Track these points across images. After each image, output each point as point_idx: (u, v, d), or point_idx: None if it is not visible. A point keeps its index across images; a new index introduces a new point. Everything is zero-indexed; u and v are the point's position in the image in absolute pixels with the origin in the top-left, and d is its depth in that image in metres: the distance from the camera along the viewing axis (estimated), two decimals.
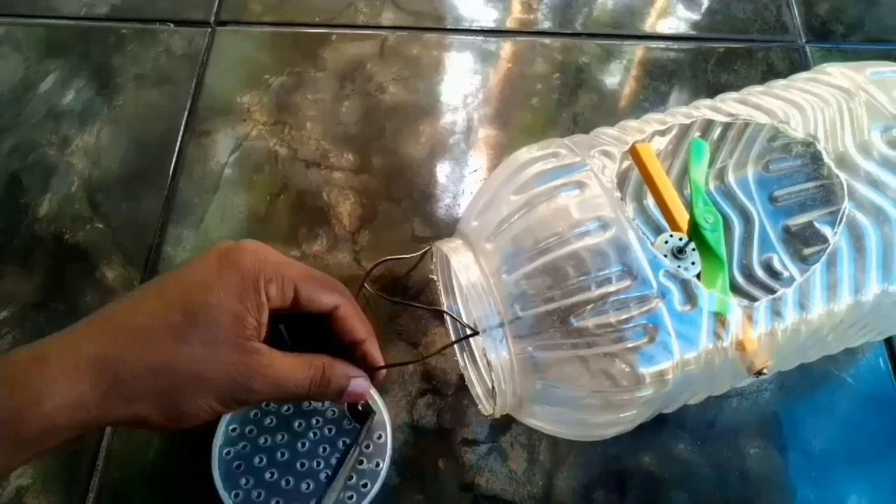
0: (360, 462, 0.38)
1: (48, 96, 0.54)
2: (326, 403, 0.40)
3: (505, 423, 0.41)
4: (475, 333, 0.33)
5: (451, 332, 0.43)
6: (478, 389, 0.40)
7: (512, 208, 0.33)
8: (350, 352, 0.35)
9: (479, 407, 0.40)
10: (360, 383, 0.34)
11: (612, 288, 0.30)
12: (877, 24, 0.60)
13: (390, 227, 0.48)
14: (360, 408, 0.39)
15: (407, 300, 0.45)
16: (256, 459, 0.38)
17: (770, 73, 0.56)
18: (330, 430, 0.39)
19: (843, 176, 0.34)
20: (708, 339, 0.31)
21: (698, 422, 0.41)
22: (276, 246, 0.47)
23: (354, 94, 0.54)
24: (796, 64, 0.57)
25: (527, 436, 0.41)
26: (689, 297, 0.31)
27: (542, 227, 0.32)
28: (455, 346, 0.42)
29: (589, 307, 0.30)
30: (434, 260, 0.41)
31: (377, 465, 0.38)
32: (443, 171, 0.51)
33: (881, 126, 0.35)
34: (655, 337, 0.30)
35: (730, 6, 0.60)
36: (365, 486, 0.37)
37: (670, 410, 0.37)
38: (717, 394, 0.38)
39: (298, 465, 0.38)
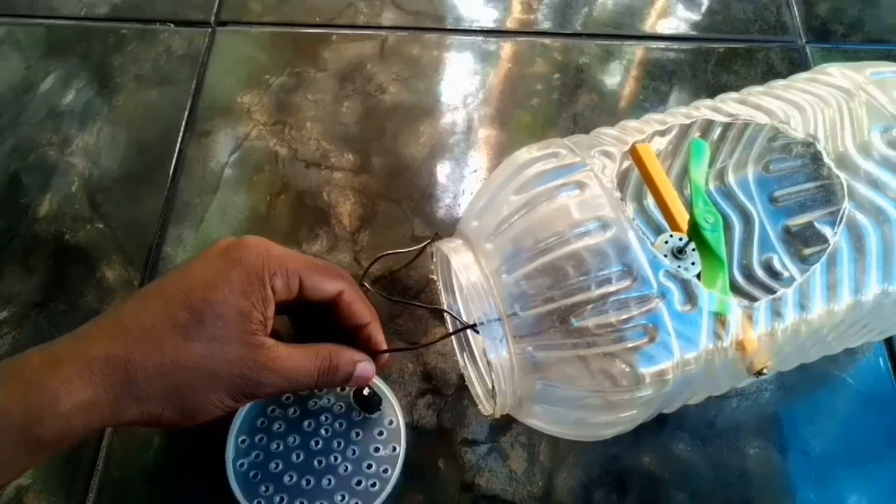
0: (377, 450, 0.38)
1: (48, 96, 0.54)
2: (332, 399, 0.40)
3: (505, 423, 0.41)
4: (474, 326, 0.33)
5: (452, 330, 0.43)
6: (478, 389, 0.40)
7: (512, 208, 0.33)
8: (353, 336, 0.36)
9: (479, 407, 0.40)
10: (365, 367, 0.35)
11: (612, 288, 0.30)
12: (877, 25, 0.60)
13: (390, 227, 0.48)
14: (364, 394, 0.39)
15: (407, 300, 0.45)
16: (272, 466, 0.38)
17: (770, 73, 0.56)
18: (341, 425, 0.39)
19: (843, 176, 0.34)
20: (708, 340, 0.31)
21: (698, 422, 0.41)
22: None
23: (354, 94, 0.54)
24: (796, 64, 0.57)
25: (527, 436, 0.41)
26: (689, 297, 0.31)
27: (542, 227, 0.32)
28: (455, 345, 0.42)
29: (589, 307, 0.30)
30: (434, 260, 0.41)
31: (394, 449, 0.38)
32: (443, 171, 0.51)
33: (881, 126, 0.35)
34: (655, 337, 0.30)
35: (730, 6, 0.60)
36: (385, 471, 0.38)
37: (670, 410, 0.37)
38: (717, 394, 0.38)
39: (316, 463, 0.38)
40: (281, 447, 0.38)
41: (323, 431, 0.39)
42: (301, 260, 0.34)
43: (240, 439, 0.38)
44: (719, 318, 0.31)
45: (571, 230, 0.31)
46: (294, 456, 0.38)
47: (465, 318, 0.41)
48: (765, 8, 0.60)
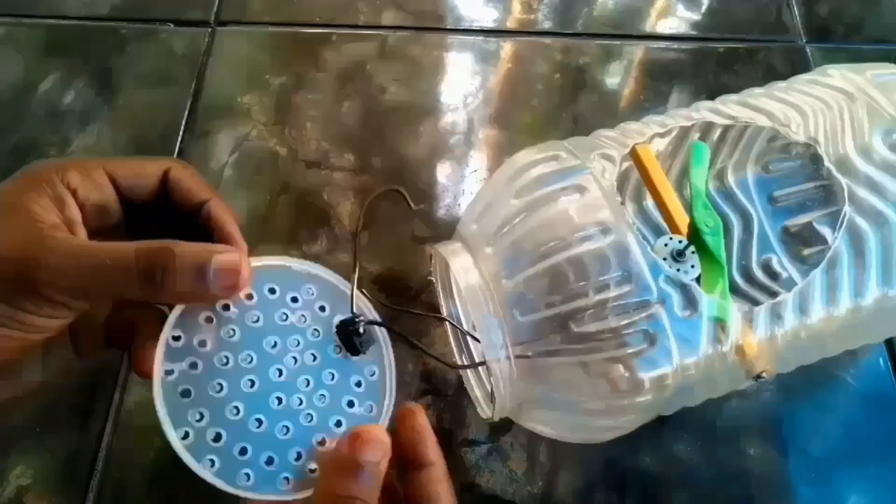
0: (351, 404, 0.29)
1: (48, 96, 0.54)
2: (307, 318, 0.29)
3: (505, 424, 0.41)
4: (483, 363, 0.32)
5: (452, 337, 0.43)
6: (477, 393, 0.40)
7: (511, 212, 0.33)
8: (193, 224, 0.30)
9: (479, 410, 0.40)
10: (229, 257, 0.26)
11: (612, 293, 0.30)
12: (877, 25, 0.60)
13: (391, 227, 0.48)
14: (352, 327, 0.29)
15: (406, 304, 0.45)
16: (213, 387, 0.27)
17: (770, 73, 0.56)
18: (314, 358, 0.29)
19: (843, 180, 0.34)
20: (708, 345, 0.31)
21: (698, 422, 0.41)
22: (276, 247, 0.47)
23: (354, 94, 0.54)
24: (797, 64, 0.57)
25: (527, 436, 0.41)
26: (689, 302, 0.31)
27: (542, 232, 0.32)
28: (455, 350, 0.42)
29: (589, 312, 0.30)
30: (433, 263, 0.41)
31: (370, 409, 0.29)
32: (443, 171, 0.51)
33: (882, 129, 0.35)
34: (655, 342, 0.30)
35: (730, 6, 0.60)
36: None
37: (669, 413, 0.37)
38: (716, 396, 0.38)
39: (274, 400, 0.28)
40: (230, 363, 0.27)
41: (290, 360, 0.28)
42: (105, 158, 0.29)
43: (174, 334, 0.27)
44: (719, 324, 0.31)
45: (572, 235, 0.31)
46: (246, 382, 0.27)
47: (463, 322, 0.41)
48: (765, 8, 0.60)
